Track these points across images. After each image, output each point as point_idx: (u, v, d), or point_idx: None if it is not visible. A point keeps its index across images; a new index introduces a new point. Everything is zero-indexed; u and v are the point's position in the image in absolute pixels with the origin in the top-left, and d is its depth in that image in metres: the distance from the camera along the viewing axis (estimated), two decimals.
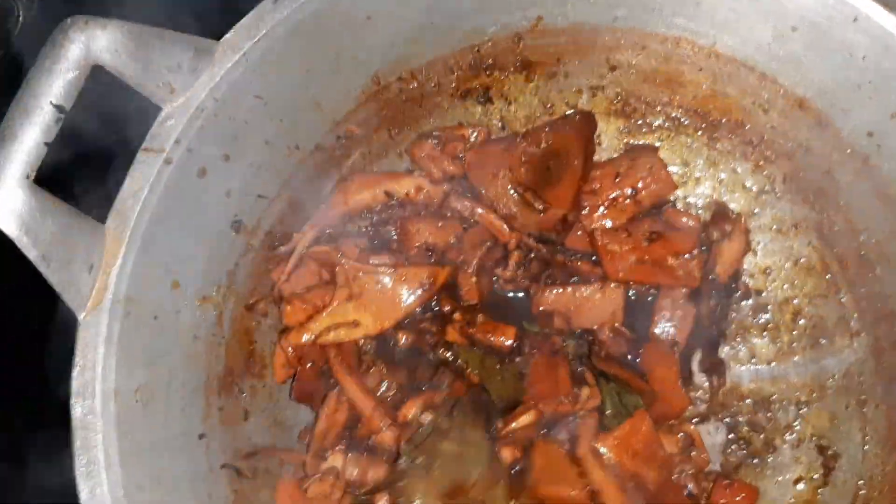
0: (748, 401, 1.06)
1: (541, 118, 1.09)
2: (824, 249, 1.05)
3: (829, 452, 1.02)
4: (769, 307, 1.07)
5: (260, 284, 1.00)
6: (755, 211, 1.09)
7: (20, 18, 1.23)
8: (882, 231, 0.99)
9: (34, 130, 0.77)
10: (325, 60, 0.95)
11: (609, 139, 1.11)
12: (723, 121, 1.07)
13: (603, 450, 0.91)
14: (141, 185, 0.84)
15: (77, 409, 0.79)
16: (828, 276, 1.05)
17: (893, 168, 0.97)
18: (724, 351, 1.07)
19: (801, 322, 1.06)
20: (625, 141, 1.10)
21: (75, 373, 0.80)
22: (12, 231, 0.76)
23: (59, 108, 0.78)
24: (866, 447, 1.00)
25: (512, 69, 1.06)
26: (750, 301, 1.07)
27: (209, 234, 0.93)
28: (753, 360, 1.07)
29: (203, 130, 0.87)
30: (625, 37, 1.03)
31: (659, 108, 1.08)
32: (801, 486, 1.03)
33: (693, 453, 0.99)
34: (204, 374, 0.92)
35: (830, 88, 0.98)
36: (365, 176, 1.05)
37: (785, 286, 1.07)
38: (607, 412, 0.97)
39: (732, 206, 1.08)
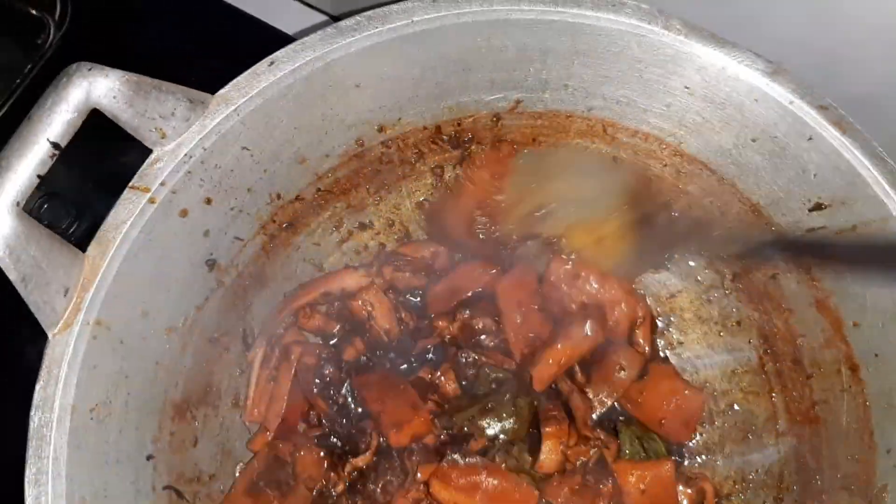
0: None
1: None
2: (763, 349, 1.10)
3: None
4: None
5: (225, 320, 1.06)
6: (704, 303, 1.14)
7: (51, 36, 1.31)
8: (818, 340, 1.05)
9: (29, 163, 0.83)
10: (313, 120, 1.02)
11: None
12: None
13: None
14: (124, 219, 0.91)
15: (35, 420, 0.85)
16: (763, 374, 1.10)
17: (833, 281, 1.02)
18: None
19: (734, 415, 1.11)
20: None
21: (38, 386, 0.86)
22: None
23: (55, 144, 0.85)
24: None
25: (489, 145, 1.13)
26: None
27: (183, 270, 0.99)
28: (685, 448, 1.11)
29: (189, 175, 0.94)
30: (598, 126, 1.10)
31: None
32: None
33: None
34: (161, 399, 0.98)
35: (783, 199, 1.04)
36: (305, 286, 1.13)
37: (723, 379, 1.12)
38: (626, 452, 1.04)
39: (683, 294, 1.14)
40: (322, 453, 1.05)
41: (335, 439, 1.06)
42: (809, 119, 0.97)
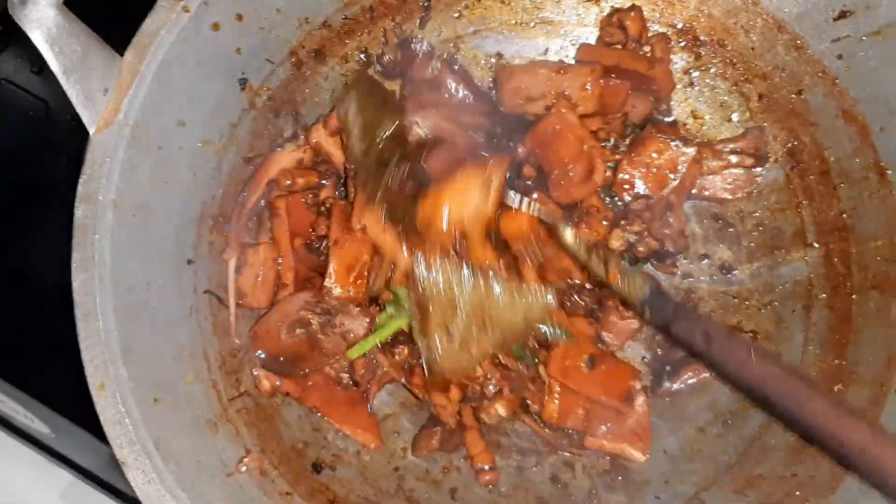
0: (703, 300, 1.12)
1: (531, 22, 1.18)
2: (789, 166, 1.11)
3: (772, 352, 1.07)
4: (731, 218, 1.13)
5: (259, 141, 1.08)
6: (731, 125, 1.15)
7: None
8: (844, 149, 1.05)
9: None
10: None
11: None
12: (706, 40, 1.13)
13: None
14: (159, 26, 0.93)
15: (79, 212, 0.88)
16: (790, 190, 1.11)
17: (859, 89, 1.03)
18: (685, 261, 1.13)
19: (760, 234, 1.12)
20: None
21: (82, 180, 0.89)
22: (40, 42, 0.85)
23: None
24: (809, 347, 1.05)
25: None
26: (715, 211, 1.13)
27: (217, 85, 1.01)
28: (712, 267, 1.12)
29: None
30: None
31: (648, 24, 1.15)
32: None
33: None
34: (199, 210, 1.01)
35: (807, 12, 1.05)
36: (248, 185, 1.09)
37: (749, 201, 1.13)
38: None
39: (707, 117, 1.15)
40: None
41: None
42: None
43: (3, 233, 1.25)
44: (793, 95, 1.09)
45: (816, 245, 1.08)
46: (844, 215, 1.06)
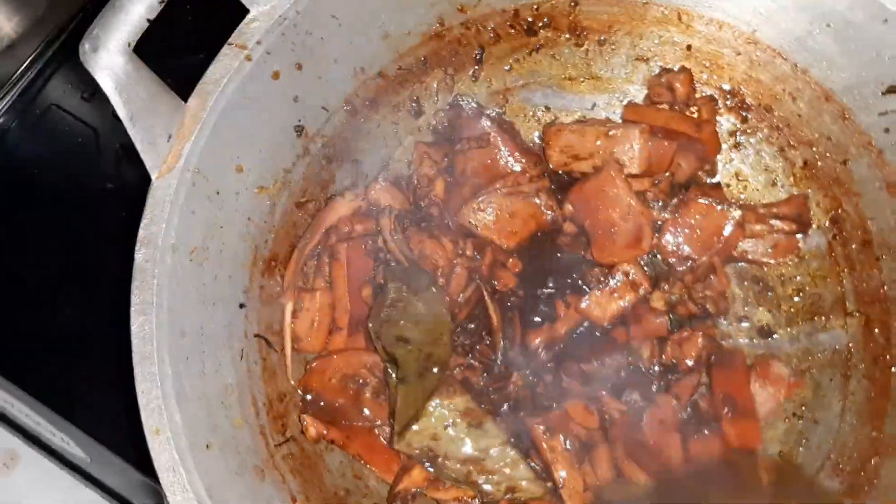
0: None
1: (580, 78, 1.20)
2: (832, 233, 1.12)
3: (809, 419, 1.08)
4: (772, 282, 1.14)
5: (311, 187, 1.10)
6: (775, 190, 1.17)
7: None
8: (887, 221, 1.06)
9: (140, 6, 0.87)
10: None
11: None
12: (754, 104, 1.15)
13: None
14: (222, 74, 0.95)
15: (139, 256, 0.89)
16: (832, 258, 1.12)
17: None
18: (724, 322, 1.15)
19: (801, 300, 1.13)
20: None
21: (143, 224, 0.90)
22: (109, 89, 0.86)
23: None
24: (846, 417, 1.06)
25: (565, 31, 1.16)
26: (756, 274, 1.15)
27: (274, 131, 1.03)
28: (752, 329, 1.14)
29: (282, 37, 0.98)
30: (674, 14, 1.13)
31: (696, 86, 1.16)
32: (779, 447, 1.09)
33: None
34: (252, 254, 1.02)
35: (856, 84, 1.06)
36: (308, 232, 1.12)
37: (791, 265, 1.14)
38: None
39: (751, 180, 1.16)
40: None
41: None
42: (886, 1, 0.98)
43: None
44: (838, 164, 1.11)
45: (857, 314, 1.09)
46: (885, 287, 1.07)
